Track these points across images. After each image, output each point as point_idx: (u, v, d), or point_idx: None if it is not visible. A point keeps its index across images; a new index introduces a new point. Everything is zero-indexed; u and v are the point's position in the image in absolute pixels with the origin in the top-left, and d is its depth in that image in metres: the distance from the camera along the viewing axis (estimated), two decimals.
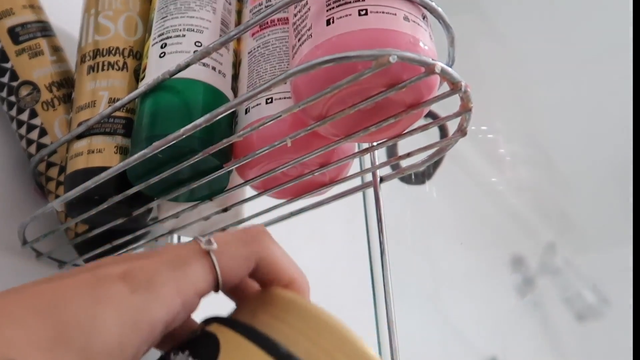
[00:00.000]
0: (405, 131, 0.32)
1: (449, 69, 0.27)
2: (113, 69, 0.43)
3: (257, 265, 0.25)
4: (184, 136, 0.32)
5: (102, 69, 0.43)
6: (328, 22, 0.29)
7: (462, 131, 0.31)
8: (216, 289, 0.25)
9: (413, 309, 0.77)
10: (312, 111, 0.31)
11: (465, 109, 0.29)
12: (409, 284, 0.73)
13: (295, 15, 0.32)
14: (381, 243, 0.34)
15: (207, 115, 0.31)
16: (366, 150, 0.35)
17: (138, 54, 0.43)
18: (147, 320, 0.21)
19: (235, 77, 0.39)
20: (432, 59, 0.27)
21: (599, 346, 1.11)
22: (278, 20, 0.38)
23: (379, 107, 0.30)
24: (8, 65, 0.47)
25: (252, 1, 0.40)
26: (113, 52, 0.43)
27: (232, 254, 0.25)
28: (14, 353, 0.18)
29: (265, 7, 0.39)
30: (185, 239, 0.46)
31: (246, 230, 0.26)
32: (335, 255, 0.65)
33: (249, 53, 0.39)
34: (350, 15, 0.29)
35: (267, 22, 0.38)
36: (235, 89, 0.39)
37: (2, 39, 0.47)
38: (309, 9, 0.31)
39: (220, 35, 0.39)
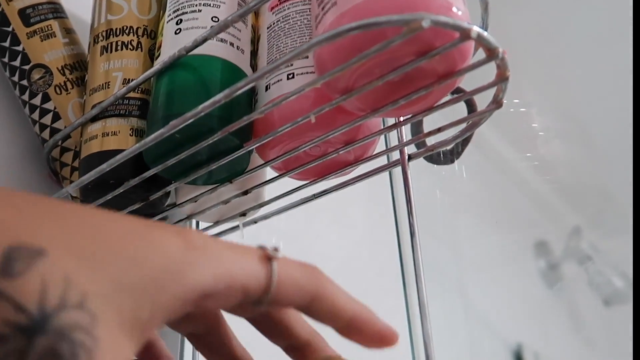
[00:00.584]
0: (436, 104, 0.30)
1: (486, 34, 0.25)
2: (127, 48, 0.41)
3: (314, 301, 0.23)
4: (202, 114, 0.31)
5: (116, 49, 0.41)
6: None
7: (497, 102, 0.29)
8: (263, 297, 0.22)
9: (437, 295, 0.75)
10: (337, 84, 0.29)
11: (502, 78, 0.27)
12: (433, 268, 0.71)
13: None
14: (411, 225, 0.32)
15: (227, 91, 0.29)
16: (393, 126, 0.33)
17: (152, 33, 0.42)
18: (191, 281, 0.19)
19: (254, 54, 0.38)
20: (467, 24, 0.25)
21: (626, 331, 1.09)
22: None
23: (408, 78, 0.28)
24: (19, 48, 0.45)
25: None
26: (127, 31, 0.41)
27: (291, 274, 0.23)
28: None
29: None
30: (203, 224, 0.44)
31: (304, 263, 0.24)
32: (358, 240, 0.64)
33: (267, 28, 0.37)
34: None
35: None
36: (254, 66, 0.37)
37: (13, 21, 0.45)
38: None
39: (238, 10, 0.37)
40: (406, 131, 0.35)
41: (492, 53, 0.26)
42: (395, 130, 0.34)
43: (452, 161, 0.37)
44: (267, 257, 0.23)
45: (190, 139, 0.34)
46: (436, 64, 0.27)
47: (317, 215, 0.46)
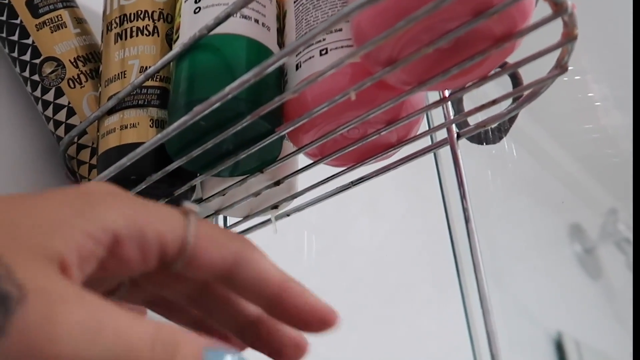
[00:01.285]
0: (490, 74, 0.27)
1: None
2: (142, 34, 0.38)
3: (237, 266, 0.21)
4: (229, 96, 0.28)
5: (131, 36, 0.38)
6: None
7: (562, 67, 0.25)
8: (181, 254, 0.20)
9: (473, 282, 0.72)
10: (379, 55, 0.26)
11: (569, 38, 0.24)
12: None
13: None
14: (465, 210, 0.29)
15: (256, 69, 0.26)
16: (440, 101, 0.29)
17: (169, 17, 0.39)
18: (97, 215, 0.19)
19: (281, 32, 0.35)
20: None
21: None
22: None
23: (460, 43, 0.25)
24: (29, 41, 0.43)
25: None
26: (141, 16, 0.39)
27: (212, 231, 0.21)
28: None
29: None
30: (231, 220, 0.42)
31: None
32: (397, 229, 0.60)
33: (294, 2, 0.34)
34: None
35: None
36: (281, 45, 0.34)
37: (21, 13, 0.43)
38: None
39: None
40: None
41: (559, 8, 0.22)
42: (440, 108, 0.31)
43: (500, 139, 0.33)
44: (184, 211, 0.21)
45: (216, 126, 0.31)
46: (493, 25, 0.24)
47: (349, 206, 0.42)
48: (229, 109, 0.30)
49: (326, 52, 0.30)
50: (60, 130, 0.43)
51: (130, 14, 0.39)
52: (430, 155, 0.34)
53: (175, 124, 0.30)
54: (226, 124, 0.30)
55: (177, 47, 0.32)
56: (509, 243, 0.92)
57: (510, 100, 0.31)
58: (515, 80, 0.36)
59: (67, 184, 0.46)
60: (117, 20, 0.39)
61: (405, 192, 0.60)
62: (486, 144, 0.31)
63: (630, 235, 1.11)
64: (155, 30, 0.38)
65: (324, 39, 0.31)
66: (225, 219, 0.44)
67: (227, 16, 0.30)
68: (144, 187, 0.35)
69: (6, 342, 0.15)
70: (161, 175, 0.34)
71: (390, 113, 0.30)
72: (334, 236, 0.48)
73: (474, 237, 0.28)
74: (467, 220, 0.29)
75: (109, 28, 0.40)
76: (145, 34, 0.38)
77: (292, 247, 0.47)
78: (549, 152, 1.01)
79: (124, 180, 0.35)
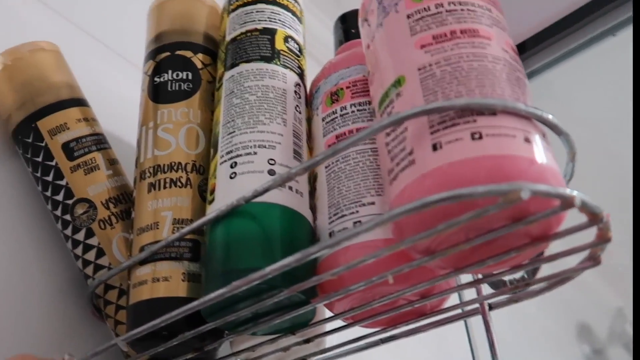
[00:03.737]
0: (524, 263, 0.28)
1: (589, 201, 0.23)
2: (176, 186, 0.40)
3: None
4: (269, 276, 0.29)
5: (164, 187, 0.40)
6: (435, 147, 0.26)
7: (594, 260, 0.26)
8: None
9: None
10: (418, 246, 0.27)
11: (603, 239, 0.25)
12: None
13: (387, 134, 0.29)
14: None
15: (298, 255, 0.27)
16: (475, 282, 0.30)
17: (201, 168, 0.40)
18: None
19: (312, 194, 0.36)
20: (569, 191, 0.23)
21: None
22: (357, 130, 0.35)
23: (497, 239, 0.26)
24: (62, 182, 0.44)
25: (324, 108, 0.37)
26: (175, 167, 0.40)
27: None
28: None
29: (340, 116, 0.36)
30: None
31: None
32: None
33: (326, 167, 0.35)
34: (461, 139, 0.25)
35: (345, 133, 0.35)
36: (313, 208, 0.35)
37: (57, 155, 0.44)
38: (405, 128, 0.27)
39: (294, 150, 0.36)
40: None
41: (595, 218, 0.24)
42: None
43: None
44: None
45: (252, 294, 0.32)
46: (530, 227, 0.25)
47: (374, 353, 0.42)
48: (265, 282, 0.31)
49: (360, 223, 0.32)
50: (89, 269, 0.43)
51: (164, 165, 0.40)
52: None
53: (213, 295, 0.31)
54: (262, 293, 0.31)
55: (213, 212, 0.34)
56: (517, 341, 0.91)
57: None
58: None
59: (92, 319, 0.47)
60: (151, 170, 0.40)
61: (431, 344, 0.60)
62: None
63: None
64: (188, 182, 0.40)
65: (357, 211, 0.32)
66: None
67: (266, 191, 0.31)
68: (175, 343, 0.35)
69: None
70: (194, 334, 0.34)
71: (424, 289, 0.31)
72: None
73: None
74: None
75: (143, 176, 0.41)
76: (179, 186, 0.39)
77: None
78: None
79: (155, 335, 0.36)
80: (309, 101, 0.40)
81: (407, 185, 0.26)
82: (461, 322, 0.42)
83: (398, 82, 0.29)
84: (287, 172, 0.30)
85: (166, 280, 0.37)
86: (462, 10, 0.29)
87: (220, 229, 0.34)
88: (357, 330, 0.36)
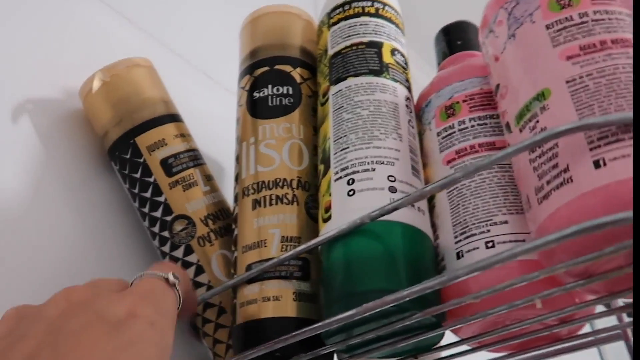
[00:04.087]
0: None
1: None
2: (282, 202, 0.39)
3: None
4: (406, 299, 0.27)
5: (270, 204, 0.39)
6: (597, 164, 0.24)
7: None
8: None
9: None
10: (575, 269, 0.25)
11: None
12: None
13: (532, 151, 0.27)
14: None
15: (444, 278, 0.26)
16: (624, 308, 0.29)
17: (307, 185, 0.40)
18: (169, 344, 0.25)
19: (430, 211, 0.35)
20: None
21: None
22: (479, 145, 0.34)
23: None
24: (161, 199, 0.44)
25: (439, 123, 0.36)
26: (280, 184, 0.39)
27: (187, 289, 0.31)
28: None
29: (459, 130, 0.35)
30: None
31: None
32: None
33: None
34: (628, 155, 0.23)
35: (466, 148, 0.34)
36: (433, 225, 0.34)
37: (155, 171, 0.44)
38: (556, 144, 0.26)
39: (412, 166, 0.35)
40: None
41: None
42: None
43: None
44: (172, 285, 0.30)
45: (379, 317, 0.30)
46: None
47: None
48: (397, 305, 0.30)
49: (493, 246, 0.30)
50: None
51: (268, 181, 0.40)
52: None
53: (341, 316, 0.30)
54: (389, 315, 0.30)
55: (334, 230, 0.32)
56: None
57: None
58: None
59: (188, 338, 0.46)
60: (255, 187, 0.40)
61: None
62: None
63: None
64: (295, 199, 0.39)
65: (488, 230, 0.31)
66: None
67: (394, 209, 0.30)
68: None
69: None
70: (311, 357, 0.33)
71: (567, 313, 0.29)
72: None
73: None
74: None
75: (245, 193, 0.40)
76: (285, 202, 0.39)
77: None
78: None
79: (268, 356, 0.35)
80: (419, 115, 0.39)
81: (564, 204, 0.25)
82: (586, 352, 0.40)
83: (542, 95, 0.27)
84: (420, 189, 0.29)
85: (276, 299, 0.36)
86: (609, 19, 0.27)
87: (341, 249, 0.33)
88: (482, 356, 0.34)
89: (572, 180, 0.25)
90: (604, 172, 0.24)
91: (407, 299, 0.27)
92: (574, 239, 0.24)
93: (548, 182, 0.26)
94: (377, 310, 0.29)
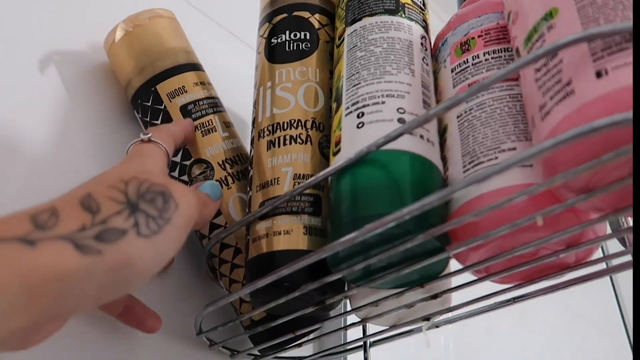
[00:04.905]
0: None
1: None
2: (295, 142, 0.39)
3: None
4: (407, 217, 0.28)
5: (284, 144, 0.39)
6: (599, 74, 0.24)
7: None
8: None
9: None
10: (574, 183, 0.25)
11: None
12: None
13: (538, 70, 0.27)
14: None
15: (442, 193, 0.26)
16: (630, 229, 0.28)
17: (321, 126, 0.40)
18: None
19: (441, 145, 0.35)
20: None
21: None
22: None
23: None
24: None
25: (453, 59, 0.36)
26: (294, 125, 0.40)
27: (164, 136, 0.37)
28: None
29: (473, 65, 0.35)
30: (374, 327, 0.41)
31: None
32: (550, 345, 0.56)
33: (458, 117, 0.34)
34: (631, 63, 0.23)
35: (479, 81, 0.34)
36: (444, 159, 0.34)
37: (175, 117, 0.45)
38: (560, 60, 0.26)
39: (423, 100, 0.35)
40: None
41: None
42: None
43: None
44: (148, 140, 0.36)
45: (382, 241, 0.31)
46: None
47: (502, 316, 0.40)
48: (398, 226, 0.30)
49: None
50: (205, 229, 0.44)
51: (283, 123, 0.40)
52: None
53: (343, 239, 0.30)
54: (393, 239, 0.30)
55: (341, 160, 0.33)
56: None
57: None
58: None
59: (205, 279, 0.47)
60: (270, 128, 0.40)
61: (556, 306, 0.57)
62: None
63: None
64: (309, 139, 0.39)
65: (495, 157, 0.31)
66: (364, 327, 0.43)
67: (399, 135, 0.30)
68: (297, 294, 0.35)
69: (178, 222, 0.29)
70: (318, 285, 0.34)
71: (572, 236, 0.29)
72: (478, 348, 0.46)
73: None
74: None
75: (261, 135, 0.41)
76: (299, 142, 0.39)
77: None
78: None
79: (276, 286, 0.35)
80: (435, 55, 0.39)
81: (565, 117, 0.24)
82: (596, 285, 0.39)
83: (549, 15, 0.27)
84: (424, 114, 0.29)
85: (287, 233, 0.37)
86: None
87: (349, 178, 0.33)
88: (490, 289, 0.34)
89: (574, 93, 0.24)
90: (605, 80, 0.23)
91: (408, 217, 0.27)
92: (572, 146, 0.24)
93: (551, 98, 0.26)
94: (378, 232, 0.29)
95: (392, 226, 0.28)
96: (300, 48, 0.43)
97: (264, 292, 0.37)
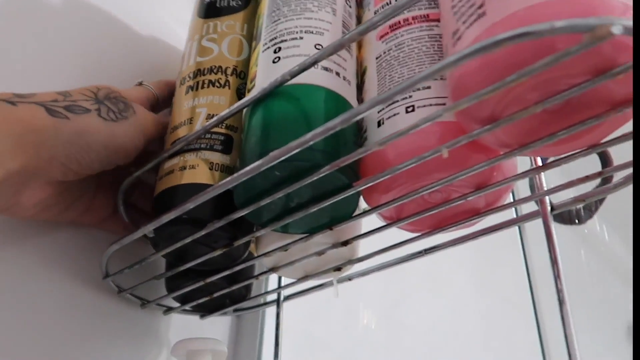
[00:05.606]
0: (602, 141, 0.25)
1: None
2: (214, 86, 0.38)
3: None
4: (310, 143, 0.26)
5: (202, 87, 0.38)
6: None
7: None
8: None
9: None
10: (479, 112, 0.24)
11: None
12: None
13: None
14: (559, 292, 0.26)
15: (344, 116, 0.25)
16: (538, 168, 0.27)
17: (242, 74, 0.38)
18: None
19: (359, 87, 0.33)
20: None
21: None
22: (413, 18, 0.32)
23: (573, 105, 0.23)
24: None
25: (376, 2, 0.35)
26: (215, 70, 0.38)
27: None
28: None
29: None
30: (286, 280, 0.39)
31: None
32: (458, 307, 0.55)
33: (377, 58, 0.32)
34: None
35: (400, 22, 0.32)
36: (360, 101, 0.33)
37: None
38: None
39: None
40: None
41: None
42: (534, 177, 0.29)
43: (590, 218, 0.31)
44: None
45: (290, 177, 0.29)
46: (614, 87, 0.22)
47: (411, 280, 0.39)
48: (306, 159, 0.28)
49: (413, 110, 0.29)
50: None
51: (204, 69, 0.38)
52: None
53: (248, 168, 0.28)
54: (301, 176, 0.29)
55: (254, 92, 0.31)
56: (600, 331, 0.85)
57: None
58: (604, 160, 0.34)
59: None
60: (191, 75, 0.39)
61: (467, 266, 0.57)
62: (579, 223, 0.29)
63: None
64: (227, 84, 0.38)
65: (410, 96, 0.29)
66: (279, 278, 0.41)
67: (313, 63, 0.28)
68: (204, 233, 0.33)
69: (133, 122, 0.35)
70: (223, 223, 0.32)
71: (481, 177, 0.28)
72: (391, 309, 0.45)
73: (569, 323, 0.25)
74: (561, 302, 0.26)
75: (182, 82, 0.39)
76: (217, 86, 0.38)
77: (341, 315, 0.44)
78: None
79: (181, 222, 0.33)
80: (359, 3, 0.37)
81: (475, 38, 0.23)
82: (507, 238, 0.38)
83: None
84: (338, 39, 0.27)
85: (192, 168, 0.35)
86: None
87: (261, 111, 0.31)
88: (402, 237, 0.33)
89: (485, 15, 0.23)
90: (515, 0, 0.22)
91: (312, 142, 0.26)
92: (478, 70, 0.23)
93: (464, 22, 0.24)
94: (286, 163, 0.27)
95: (296, 157, 0.27)
96: (231, 4, 0.42)
97: (170, 231, 0.35)
